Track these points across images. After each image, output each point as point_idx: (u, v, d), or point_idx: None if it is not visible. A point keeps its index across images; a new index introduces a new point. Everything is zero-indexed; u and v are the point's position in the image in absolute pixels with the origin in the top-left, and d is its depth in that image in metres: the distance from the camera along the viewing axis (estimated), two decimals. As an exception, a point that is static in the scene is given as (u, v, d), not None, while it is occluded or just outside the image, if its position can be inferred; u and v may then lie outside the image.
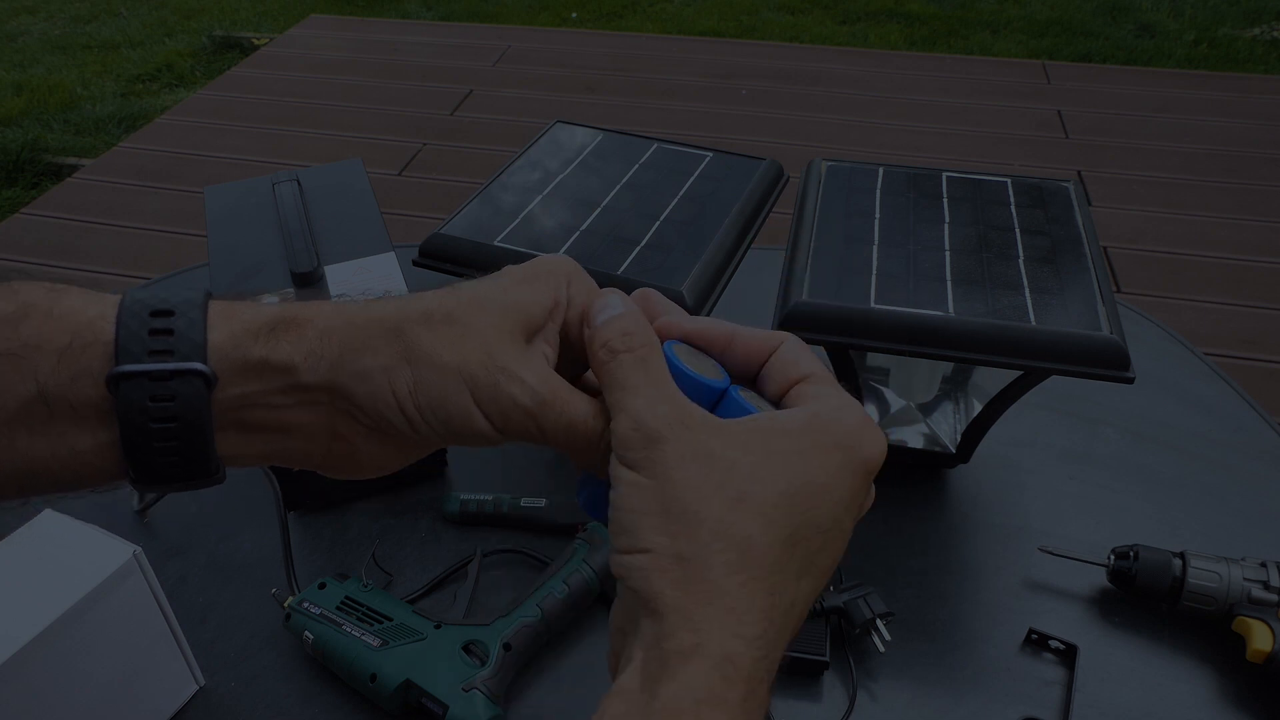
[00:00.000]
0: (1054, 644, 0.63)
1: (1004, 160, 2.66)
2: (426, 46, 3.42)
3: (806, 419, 0.32)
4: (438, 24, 3.70)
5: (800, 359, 0.34)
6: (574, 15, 3.78)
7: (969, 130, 2.82)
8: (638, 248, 0.66)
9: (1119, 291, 2.14)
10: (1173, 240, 2.33)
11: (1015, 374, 0.63)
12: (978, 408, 0.69)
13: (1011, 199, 0.72)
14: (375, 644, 0.59)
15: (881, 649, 0.61)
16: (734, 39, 3.52)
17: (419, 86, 3.11)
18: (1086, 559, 0.66)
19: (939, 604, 0.66)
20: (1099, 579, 0.67)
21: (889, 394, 0.79)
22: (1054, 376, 0.60)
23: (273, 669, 0.62)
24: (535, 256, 0.65)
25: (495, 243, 0.66)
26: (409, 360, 0.32)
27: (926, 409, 0.78)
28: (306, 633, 0.61)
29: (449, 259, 0.67)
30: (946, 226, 0.69)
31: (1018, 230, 0.68)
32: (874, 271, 0.64)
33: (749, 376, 0.35)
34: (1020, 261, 0.65)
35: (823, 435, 0.31)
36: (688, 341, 0.35)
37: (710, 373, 0.34)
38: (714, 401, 0.34)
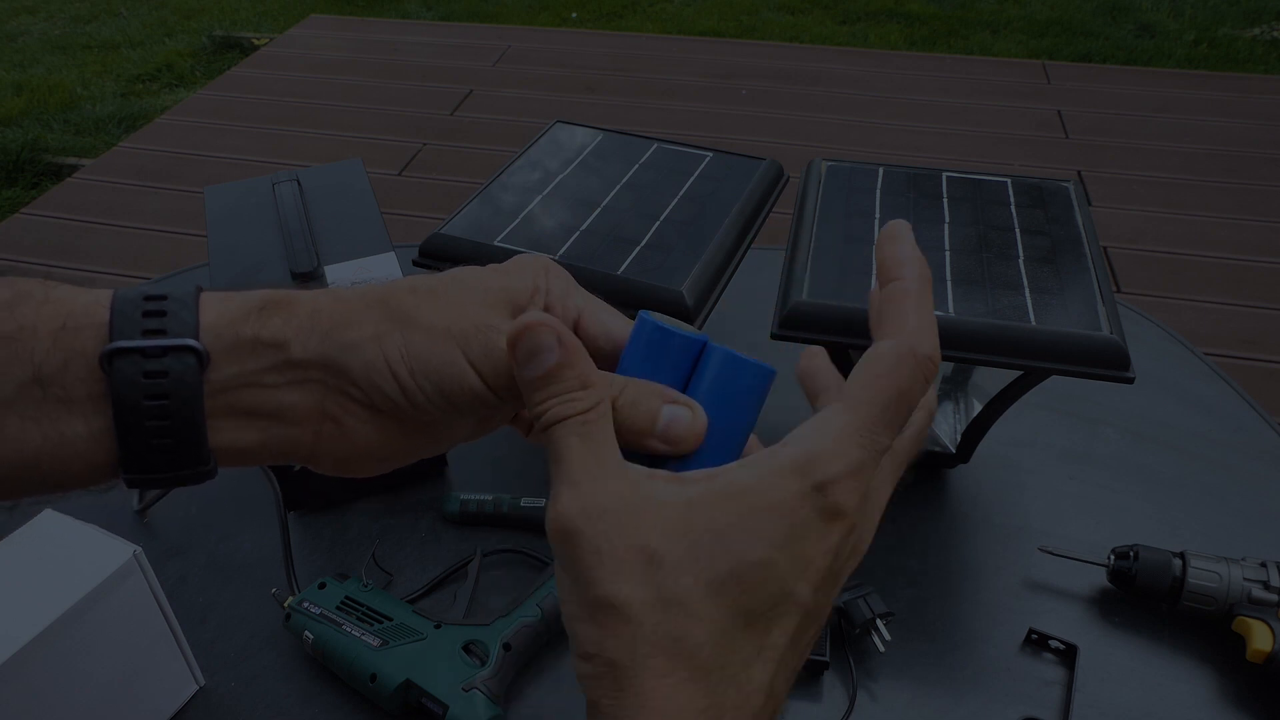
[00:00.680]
0: (1054, 644, 0.63)
1: (1004, 160, 2.66)
2: (426, 46, 3.42)
3: (751, 479, 0.28)
4: (438, 24, 3.71)
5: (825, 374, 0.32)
6: (574, 15, 3.78)
7: (969, 130, 2.82)
8: (638, 248, 0.66)
9: (1119, 291, 2.14)
10: (1173, 240, 2.33)
11: (1015, 374, 0.63)
12: (978, 408, 0.69)
13: (1011, 199, 0.72)
14: (375, 644, 0.59)
15: (881, 649, 0.61)
16: (734, 39, 3.52)
17: (419, 86, 3.11)
18: (1086, 559, 0.66)
19: (939, 604, 0.66)
20: (1099, 579, 0.67)
21: (889, 394, 0.79)
22: (1054, 376, 0.60)
23: (273, 669, 0.62)
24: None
25: (495, 243, 0.66)
26: (399, 325, 0.32)
27: (926, 409, 0.78)
28: (306, 633, 0.61)
29: (449, 259, 0.67)
30: (946, 226, 0.69)
31: (1018, 230, 0.68)
32: (874, 272, 0.64)
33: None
34: (1020, 261, 0.65)
35: (760, 497, 0.27)
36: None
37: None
38: (696, 356, 0.32)
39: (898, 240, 0.31)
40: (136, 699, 0.57)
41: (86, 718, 0.53)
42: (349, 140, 2.81)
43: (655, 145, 0.79)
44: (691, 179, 0.74)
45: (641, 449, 0.31)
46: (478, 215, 0.70)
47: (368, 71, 3.22)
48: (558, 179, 0.74)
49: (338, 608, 0.61)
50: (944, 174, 0.76)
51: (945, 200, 0.72)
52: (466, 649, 0.59)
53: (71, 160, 2.77)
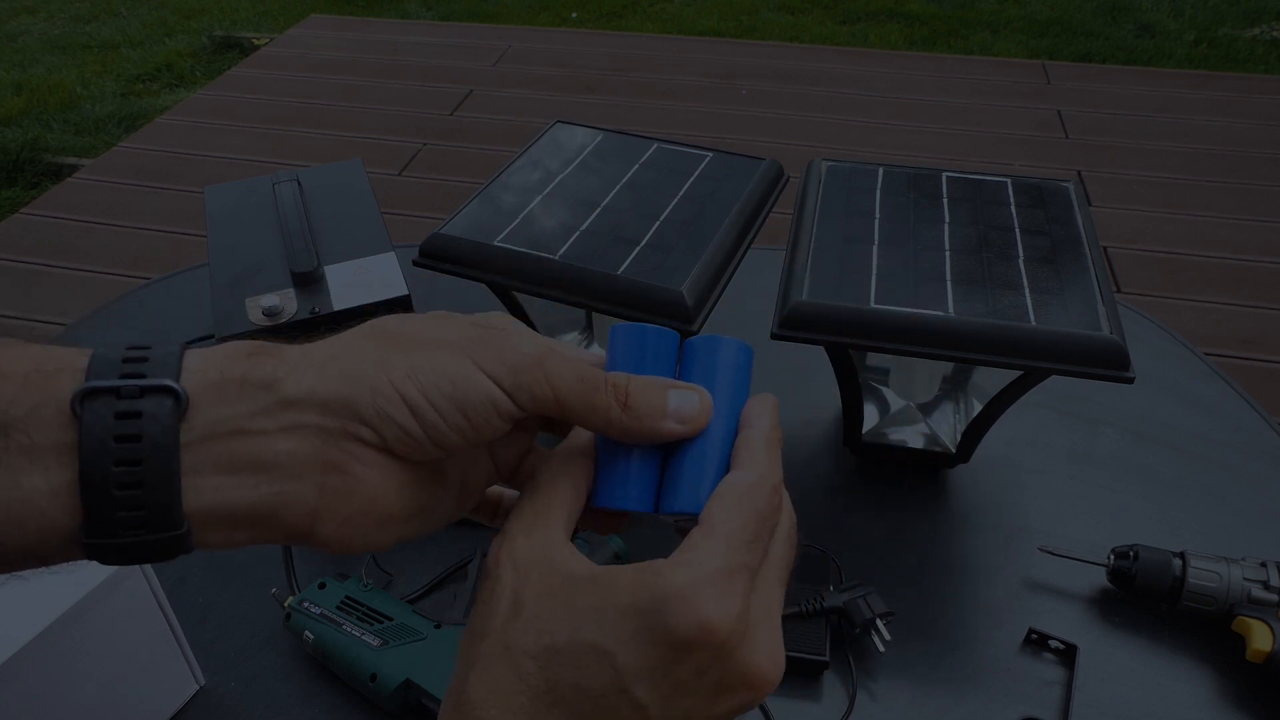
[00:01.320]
0: (1054, 644, 0.63)
1: (1004, 160, 2.66)
2: (426, 46, 3.42)
3: (623, 577, 0.29)
4: (438, 24, 3.70)
5: (736, 493, 0.31)
6: (574, 15, 3.78)
7: (969, 130, 2.82)
8: (638, 248, 0.66)
9: (1119, 291, 2.14)
10: (1173, 240, 2.33)
11: (1015, 374, 0.63)
12: (978, 408, 0.69)
13: (1011, 199, 0.72)
14: (375, 644, 0.59)
15: (881, 649, 0.61)
16: (734, 39, 3.52)
17: (419, 86, 3.11)
18: (1086, 559, 0.66)
19: (939, 604, 0.66)
20: (1099, 579, 0.67)
21: (889, 394, 0.79)
22: (1054, 376, 0.60)
23: (273, 669, 0.62)
24: (535, 256, 0.65)
25: (495, 243, 0.66)
26: (399, 349, 0.30)
27: (926, 409, 0.78)
28: (306, 633, 0.61)
29: (449, 259, 0.67)
30: (946, 226, 0.69)
31: (1018, 230, 0.68)
32: (874, 271, 0.64)
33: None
34: (1020, 261, 0.65)
35: (626, 596, 0.28)
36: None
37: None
38: (675, 350, 0.34)
39: (763, 403, 0.34)
40: (136, 699, 0.57)
41: (86, 718, 0.53)
42: (349, 140, 2.81)
43: (655, 145, 0.79)
44: (691, 179, 0.74)
45: (658, 435, 0.32)
46: (478, 215, 0.70)
47: (368, 71, 3.22)
48: (558, 179, 0.74)
49: (338, 608, 0.61)
50: (944, 174, 0.76)
51: (945, 200, 0.72)
52: (466, 649, 0.59)
53: (71, 160, 2.77)
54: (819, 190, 0.74)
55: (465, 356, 0.30)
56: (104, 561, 0.27)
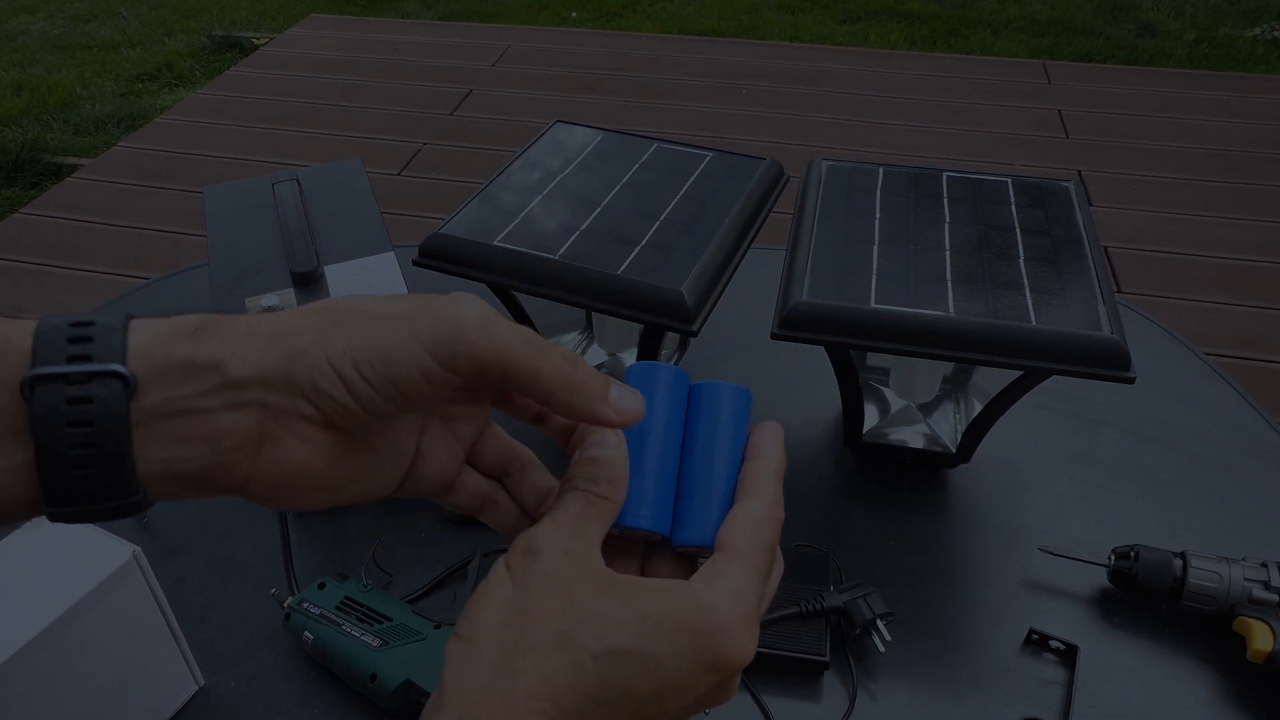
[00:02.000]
0: (1054, 644, 0.63)
1: (1004, 160, 2.66)
2: (426, 46, 3.42)
3: (683, 597, 0.32)
4: (438, 24, 3.70)
5: (744, 524, 0.34)
6: (574, 15, 3.78)
7: (969, 130, 2.82)
8: (638, 248, 0.66)
9: (1119, 291, 2.14)
10: (1173, 240, 2.33)
11: (1015, 374, 0.63)
12: (978, 408, 0.68)
13: (1012, 199, 0.72)
14: (375, 644, 0.59)
15: (881, 649, 0.61)
16: (734, 39, 3.52)
17: (419, 86, 3.11)
18: (1087, 559, 0.66)
19: (939, 604, 0.66)
20: (1099, 579, 0.67)
21: (889, 394, 0.79)
22: (1054, 376, 0.60)
23: (273, 669, 0.62)
24: (535, 256, 0.65)
25: (495, 242, 0.66)
26: (340, 327, 0.31)
27: (926, 409, 0.78)
28: (306, 633, 0.61)
29: (449, 259, 0.67)
30: (947, 226, 0.69)
31: (1018, 230, 0.68)
32: (874, 271, 0.64)
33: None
34: (1020, 261, 0.65)
35: (686, 615, 0.31)
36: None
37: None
38: (683, 388, 0.37)
39: (770, 433, 0.37)
40: (136, 699, 0.57)
41: (86, 718, 0.53)
42: (349, 140, 2.81)
43: (655, 145, 0.79)
44: (691, 179, 0.74)
45: (596, 417, 0.34)
46: (478, 215, 0.70)
47: (368, 71, 3.22)
48: (558, 179, 0.74)
49: (337, 608, 0.61)
50: (944, 174, 0.76)
51: (945, 200, 0.72)
52: (466, 649, 0.58)
53: (71, 160, 2.77)
54: (819, 190, 0.74)
55: (403, 330, 0.31)
56: (66, 522, 0.30)
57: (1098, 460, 0.78)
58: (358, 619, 0.61)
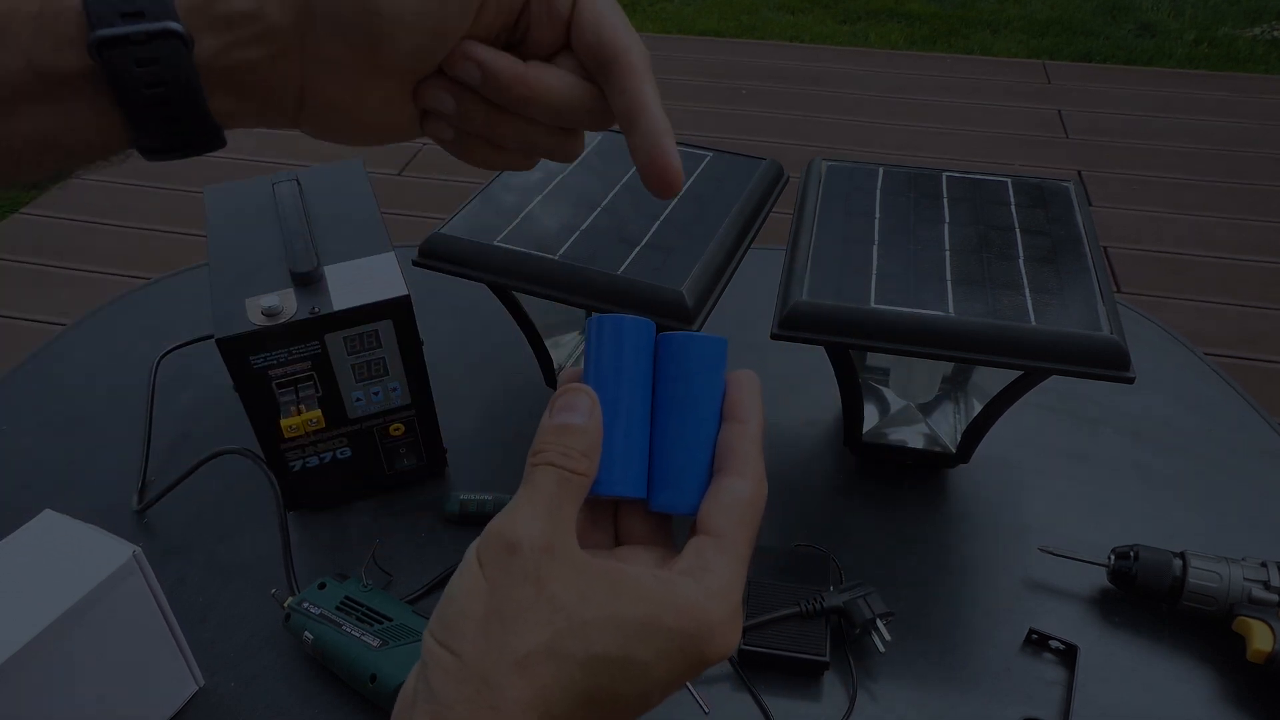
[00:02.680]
0: (1054, 644, 0.63)
1: (1004, 160, 2.66)
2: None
3: (667, 596, 0.30)
4: (438, 24, 3.70)
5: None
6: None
7: (969, 130, 2.82)
8: (638, 248, 0.66)
9: (1119, 291, 2.14)
10: (1173, 240, 2.33)
11: (1015, 374, 0.63)
12: (978, 408, 0.69)
13: (1011, 199, 0.72)
14: (375, 644, 0.59)
15: (881, 649, 0.61)
16: (734, 39, 3.52)
17: (419, 86, 3.11)
18: (1087, 559, 0.66)
19: (939, 604, 0.66)
20: (1099, 579, 0.67)
21: (889, 394, 0.79)
22: (1054, 376, 0.60)
23: (273, 669, 0.62)
24: (535, 256, 0.65)
25: (495, 243, 0.66)
26: None
27: (926, 409, 0.78)
28: (306, 633, 0.61)
29: (449, 259, 0.67)
30: (946, 226, 0.69)
31: (1018, 230, 0.68)
32: (874, 271, 0.64)
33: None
34: (1020, 261, 0.65)
35: (672, 619, 0.30)
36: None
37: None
38: (651, 339, 0.35)
39: (747, 388, 0.35)
40: (136, 699, 0.57)
41: (86, 718, 0.53)
42: (349, 140, 2.81)
43: (655, 145, 0.79)
44: (691, 179, 0.74)
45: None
46: (478, 215, 0.70)
47: (368, 71, 3.22)
48: (558, 178, 0.74)
49: (337, 608, 0.61)
50: (944, 174, 0.76)
51: (945, 200, 0.72)
52: (466, 649, 0.58)
53: (71, 160, 2.76)
54: (819, 190, 0.74)
55: None
56: (157, 158, 0.33)
57: (1098, 460, 0.78)
58: (358, 619, 0.61)
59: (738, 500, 0.33)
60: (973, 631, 0.64)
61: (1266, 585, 0.61)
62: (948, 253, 0.66)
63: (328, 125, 0.35)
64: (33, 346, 0.93)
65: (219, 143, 0.33)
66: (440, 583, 0.67)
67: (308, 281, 0.64)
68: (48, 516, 0.55)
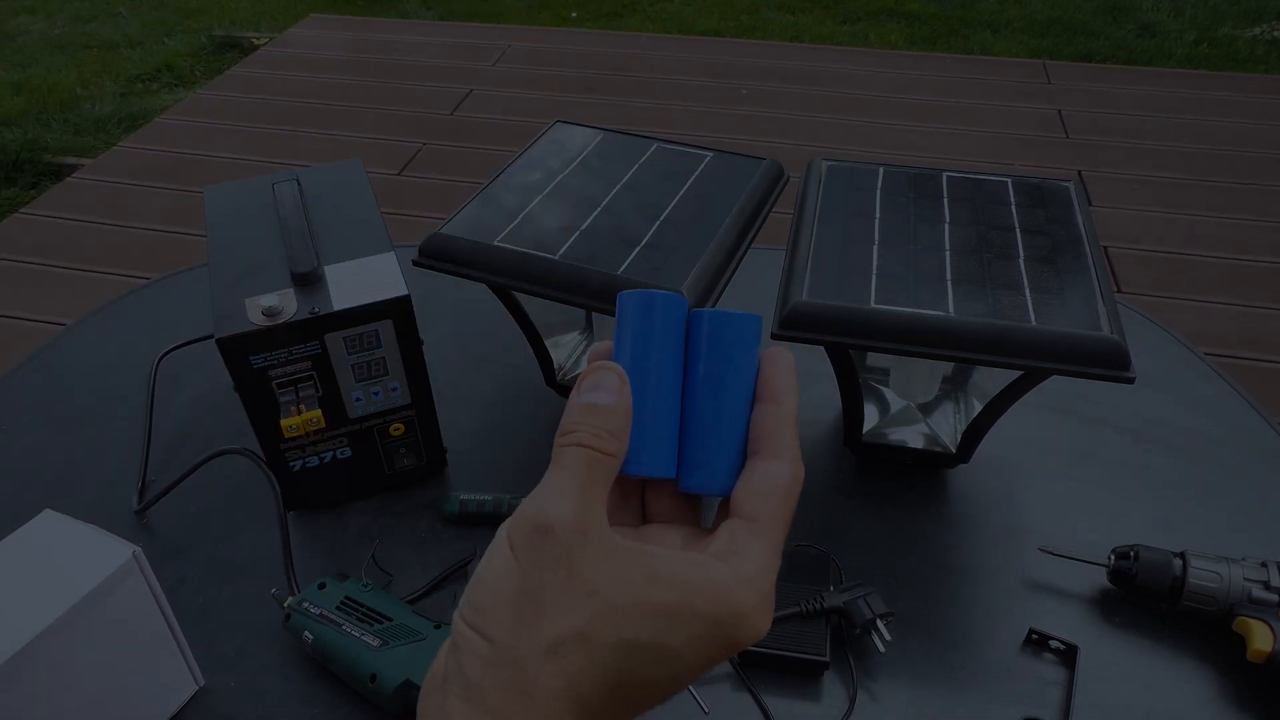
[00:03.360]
0: (1054, 644, 0.63)
1: (1004, 160, 2.66)
2: (426, 46, 3.42)
3: (700, 581, 0.30)
4: (438, 24, 3.70)
5: (766, 489, 0.32)
6: (574, 15, 3.78)
7: (969, 130, 2.82)
8: (638, 248, 0.66)
9: (1119, 291, 2.14)
10: (1173, 240, 2.33)
11: (1015, 374, 0.63)
12: (978, 408, 0.68)
13: (1012, 199, 0.72)
14: (375, 644, 0.59)
15: (881, 649, 0.61)
16: (734, 39, 3.52)
17: (419, 86, 3.11)
18: (1087, 559, 0.66)
19: (939, 604, 0.66)
20: (1099, 579, 0.67)
21: (889, 394, 0.79)
22: (1054, 376, 0.60)
23: (273, 669, 0.62)
24: (535, 256, 0.65)
25: (495, 243, 0.66)
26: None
27: (926, 409, 0.78)
28: (306, 633, 0.61)
29: (449, 259, 0.67)
30: (947, 226, 0.69)
31: (1018, 230, 0.68)
32: (874, 271, 0.64)
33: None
34: (1020, 261, 0.65)
35: (704, 605, 0.30)
36: None
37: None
38: (682, 317, 0.34)
39: (783, 367, 0.34)
40: (136, 699, 0.57)
41: (86, 718, 0.53)
42: (349, 140, 2.81)
43: (655, 145, 0.79)
44: (691, 179, 0.74)
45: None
46: (478, 215, 0.70)
47: (368, 71, 3.22)
48: (558, 179, 0.74)
49: (337, 608, 0.61)
50: (944, 174, 0.76)
51: (945, 200, 0.72)
52: (466, 649, 0.58)
53: (71, 160, 2.77)
54: (819, 190, 0.74)
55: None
56: None
57: (1098, 460, 0.78)
58: (358, 619, 0.61)
59: (775, 485, 0.32)
60: (973, 631, 0.64)
61: (1267, 585, 0.61)
62: (948, 253, 0.66)
63: None
64: (33, 346, 0.93)
65: None
66: (440, 583, 0.67)
67: (308, 281, 0.64)
68: (48, 516, 0.55)
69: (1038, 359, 0.58)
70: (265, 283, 0.64)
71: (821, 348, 0.64)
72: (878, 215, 0.70)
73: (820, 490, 0.75)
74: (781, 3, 3.84)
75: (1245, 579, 0.61)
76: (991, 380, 0.68)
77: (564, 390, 0.81)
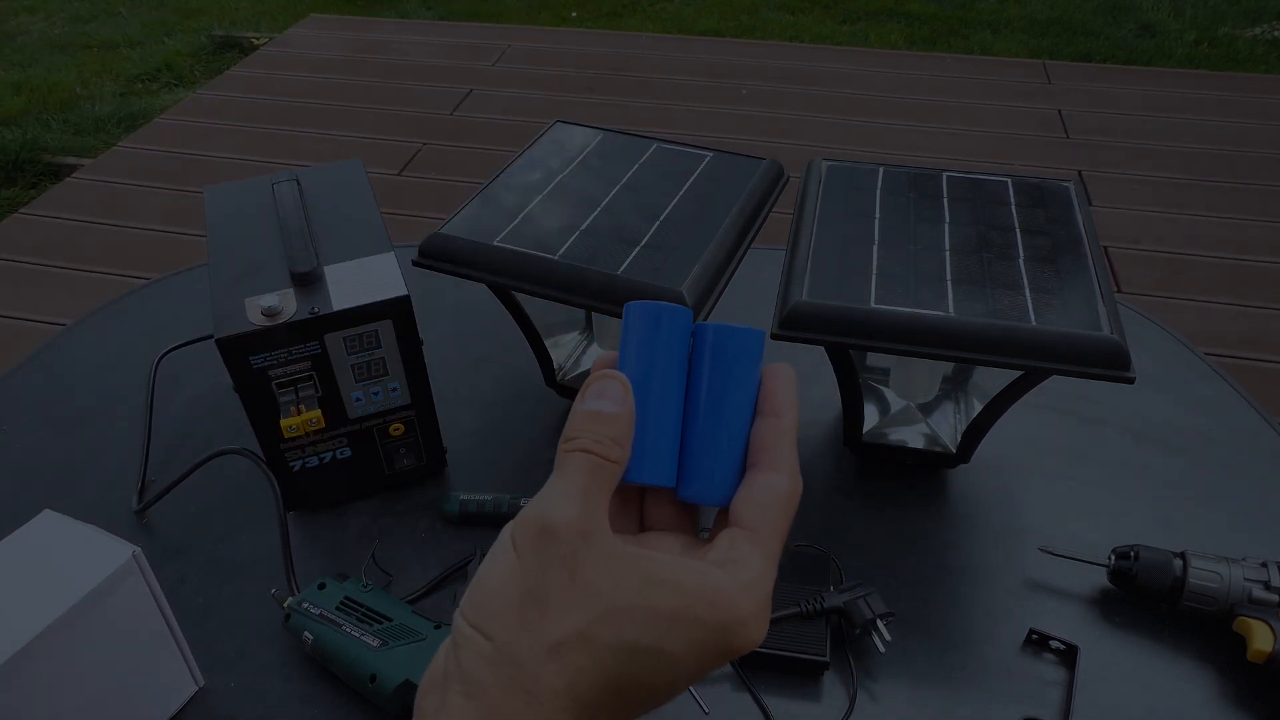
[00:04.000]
0: (1054, 644, 0.63)
1: (1004, 160, 2.66)
2: (426, 46, 3.42)
3: (700, 587, 0.30)
4: (438, 23, 3.70)
5: (765, 502, 0.33)
6: (574, 15, 3.78)
7: (969, 130, 2.82)
8: (638, 248, 0.66)
9: (1119, 291, 2.14)
10: (1173, 240, 2.33)
11: (1015, 374, 0.63)
12: (978, 408, 0.68)
13: (1012, 199, 0.72)
14: (375, 644, 0.59)
15: (881, 649, 0.61)
16: (734, 39, 3.52)
17: (419, 86, 3.11)
18: (1087, 559, 0.66)
19: (939, 604, 0.66)
20: (1099, 579, 0.67)
21: (889, 394, 0.79)
22: (1054, 376, 0.60)
23: (272, 669, 0.62)
24: (535, 256, 0.65)
25: (495, 243, 0.66)
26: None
27: (926, 409, 0.78)
28: (306, 633, 0.61)
29: (449, 259, 0.67)
30: (947, 226, 0.69)
31: (1018, 230, 0.68)
32: (874, 271, 0.64)
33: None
34: (1020, 261, 0.65)
35: (703, 611, 0.30)
36: None
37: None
38: (687, 330, 0.34)
39: (784, 381, 0.34)
40: (136, 699, 0.57)
41: (86, 718, 0.53)
42: (349, 140, 2.81)
43: (655, 145, 0.79)
44: (691, 179, 0.74)
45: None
46: (478, 215, 0.70)
47: (368, 71, 3.22)
48: (558, 179, 0.74)
49: (337, 608, 0.61)
50: (944, 174, 0.76)
51: (945, 200, 0.72)
52: (466, 649, 0.58)
53: (71, 160, 2.77)
54: (819, 190, 0.74)
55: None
56: None
57: (1098, 460, 0.78)
58: (358, 619, 0.61)
59: (775, 497, 0.33)
60: (973, 631, 0.64)
61: (1267, 585, 0.61)
62: (948, 253, 0.66)
63: None
64: (33, 346, 0.93)
65: None
66: (440, 583, 0.67)
67: (308, 281, 0.64)
68: (47, 516, 0.55)
69: (1038, 359, 0.58)
70: (265, 283, 0.64)
71: (821, 348, 0.64)
72: (878, 215, 0.70)
73: (820, 490, 0.75)
74: (781, 3, 3.84)
75: (1245, 579, 0.61)
76: (991, 380, 0.68)
77: (564, 390, 0.81)
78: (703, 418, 0.34)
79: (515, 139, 2.63)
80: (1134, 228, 2.37)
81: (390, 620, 0.60)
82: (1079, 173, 2.60)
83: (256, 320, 0.61)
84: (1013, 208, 0.71)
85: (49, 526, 0.54)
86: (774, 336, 0.61)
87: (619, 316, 0.63)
